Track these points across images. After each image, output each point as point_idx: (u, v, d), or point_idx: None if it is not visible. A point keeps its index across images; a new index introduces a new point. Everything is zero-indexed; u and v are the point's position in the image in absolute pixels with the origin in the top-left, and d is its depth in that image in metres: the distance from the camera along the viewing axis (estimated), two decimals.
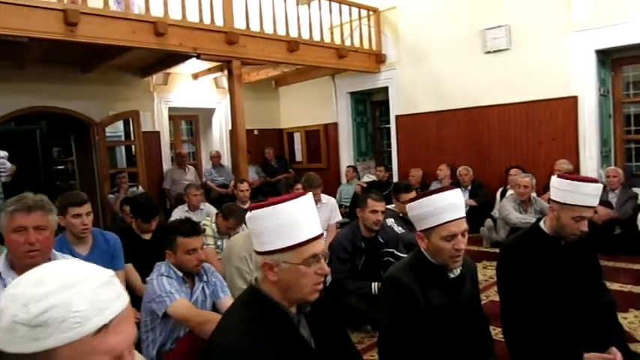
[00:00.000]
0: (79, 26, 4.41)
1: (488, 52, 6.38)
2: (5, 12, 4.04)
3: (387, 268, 3.46)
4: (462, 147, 6.84)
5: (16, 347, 0.70)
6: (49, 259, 1.96)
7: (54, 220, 1.97)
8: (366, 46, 7.42)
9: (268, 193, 7.45)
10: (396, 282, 1.83)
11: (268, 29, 6.02)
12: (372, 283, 3.32)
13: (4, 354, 0.71)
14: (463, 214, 1.83)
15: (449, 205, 1.78)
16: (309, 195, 1.47)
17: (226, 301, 2.53)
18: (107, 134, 7.30)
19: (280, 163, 8.68)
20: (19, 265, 1.88)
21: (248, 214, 1.45)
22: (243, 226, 4.21)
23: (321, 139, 8.68)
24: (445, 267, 1.82)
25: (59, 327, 0.70)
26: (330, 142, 8.60)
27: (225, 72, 6.95)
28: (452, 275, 1.84)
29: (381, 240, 3.53)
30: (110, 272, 0.79)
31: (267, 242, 1.37)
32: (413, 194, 4.16)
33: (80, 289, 0.72)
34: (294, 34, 6.29)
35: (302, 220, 1.38)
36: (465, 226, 1.80)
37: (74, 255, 2.71)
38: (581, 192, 2.03)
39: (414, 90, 7.26)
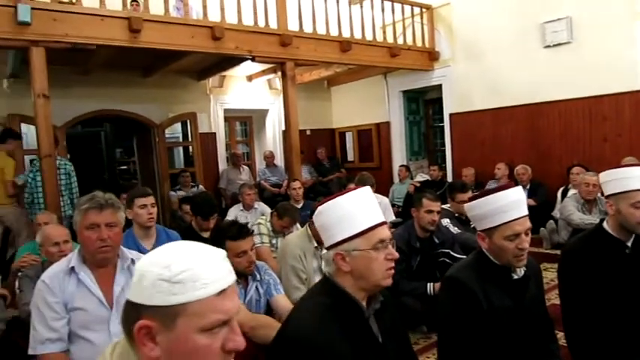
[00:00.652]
0: (142, 33, 4.62)
1: (548, 47, 6.13)
2: (78, 22, 4.31)
3: (443, 268, 3.45)
4: (520, 145, 6.61)
5: (157, 300, 0.86)
6: (118, 256, 2.08)
7: (122, 217, 2.08)
8: (418, 43, 7.31)
9: (320, 192, 7.51)
10: (456, 283, 1.80)
11: (321, 30, 6.07)
12: (428, 284, 3.29)
13: (143, 306, 0.87)
14: (526, 211, 1.77)
15: (512, 203, 1.74)
16: (368, 188, 1.56)
17: (280, 299, 2.58)
18: (166, 135, 7.60)
19: (332, 163, 8.72)
20: (92, 260, 2.00)
21: (316, 212, 1.54)
22: (297, 225, 4.28)
23: (373, 138, 8.64)
24: (508, 268, 1.77)
25: (192, 285, 0.85)
26: (382, 141, 8.54)
27: (279, 73, 7.06)
28: (515, 276, 1.79)
29: (437, 240, 3.48)
30: (223, 252, 0.95)
31: (336, 233, 1.46)
32: (469, 194, 4.07)
33: (207, 258, 0.89)
34: (346, 34, 6.30)
35: (365, 208, 1.47)
36: (528, 224, 1.75)
37: (140, 249, 2.87)
38: (633, 176, 1.97)
39: (469, 87, 7.09)
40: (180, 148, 9.42)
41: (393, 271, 1.47)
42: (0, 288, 3.03)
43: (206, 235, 3.56)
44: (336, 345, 1.35)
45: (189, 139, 7.77)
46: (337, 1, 6.14)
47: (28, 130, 6.29)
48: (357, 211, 1.46)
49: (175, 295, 0.85)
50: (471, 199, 1.87)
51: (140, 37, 4.65)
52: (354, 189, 1.52)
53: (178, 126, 8.42)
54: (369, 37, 6.62)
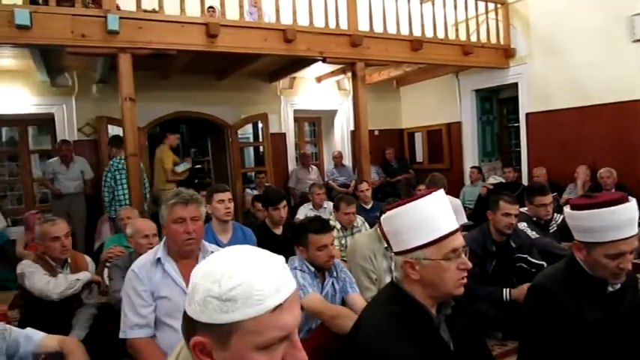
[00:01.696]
0: (218, 37, 4.82)
1: (637, 41, 5.71)
2: (160, 29, 4.57)
3: (520, 274, 3.32)
4: (603, 146, 6.18)
5: (208, 318, 0.80)
6: (199, 249, 2.18)
7: (204, 212, 2.20)
8: (493, 40, 7.06)
9: (388, 193, 7.45)
10: (545, 291, 1.70)
11: (391, 29, 6.02)
12: (504, 290, 3.17)
13: (198, 322, 0.82)
14: (636, 230, 1.58)
15: (625, 221, 1.56)
16: (442, 191, 1.47)
17: (355, 297, 2.59)
18: (239, 136, 7.86)
19: (400, 164, 8.63)
20: (177, 252, 2.12)
21: (383, 216, 1.49)
22: (365, 225, 4.28)
23: (443, 138, 8.44)
24: (604, 280, 1.65)
25: (245, 302, 0.79)
26: (453, 141, 8.33)
27: (348, 74, 7.11)
28: (610, 289, 1.66)
29: (514, 245, 3.35)
30: (282, 259, 0.87)
31: (406, 240, 1.39)
32: (549, 197, 3.89)
33: (262, 270, 0.82)
34: (417, 32, 6.21)
35: (438, 215, 1.39)
36: (636, 243, 1.59)
37: (218, 242, 3.00)
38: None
39: (548, 85, 6.75)
40: (251, 148, 9.70)
41: (465, 280, 1.40)
42: (95, 275, 3.26)
43: (278, 231, 3.66)
44: (402, 350, 1.30)
45: (260, 140, 7.99)
46: (408, 0, 6.07)
47: (112, 131, 6.74)
48: (430, 217, 1.38)
49: (227, 314, 0.79)
50: (577, 207, 1.66)
51: (217, 42, 4.85)
52: (425, 190, 1.47)
53: (250, 127, 8.68)
54: (440, 35, 6.49)
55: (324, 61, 5.69)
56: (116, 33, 4.38)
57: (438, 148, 8.59)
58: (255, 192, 6.90)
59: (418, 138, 9.02)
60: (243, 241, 3.21)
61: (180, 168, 6.37)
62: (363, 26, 5.82)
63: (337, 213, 4.12)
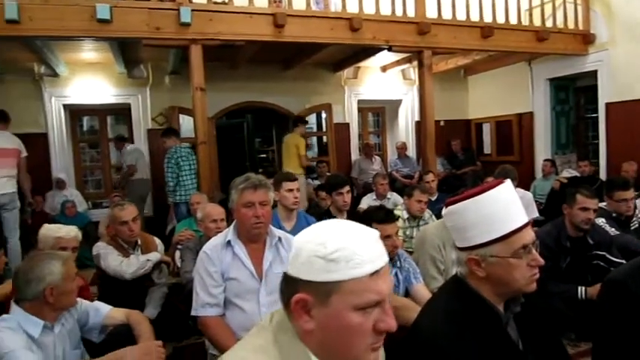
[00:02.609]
0: (285, 27, 4.87)
1: None
2: (230, 20, 4.69)
3: (596, 272, 3.13)
4: None
5: (313, 276, 0.89)
6: (267, 233, 2.23)
7: (272, 197, 2.24)
8: (570, 26, 6.63)
9: (454, 185, 7.26)
10: (619, 286, 1.57)
11: (461, 16, 5.82)
12: (579, 288, 3.00)
13: (300, 280, 0.91)
14: None
15: None
16: (509, 182, 1.36)
17: (420, 288, 2.56)
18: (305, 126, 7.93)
19: (467, 155, 8.37)
20: (246, 235, 2.18)
21: (445, 210, 1.40)
22: (433, 217, 4.20)
23: (513, 129, 8.08)
24: None
25: (347, 264, 0.87)
26: (524, 133, 7.95)
27: (414, 63, 6.97)
28: None
29: (591, 241, 3.16)
30: (377, 233, 0.95)
31: (471, 237, 1.31)
32: (631, 192, 3.63)
33: (362, 238, 0.91)
34: (488, 18, 5.96)
35: (506, 209, 1.29)
36: None
37: (281, 229, 3.05)
38: None
39: (633, 73, 6.26)
40: (315, 138, 9.76)
41: (537, 276, 1.30)
42: (164, 256, 3.43)
43: (342, 218, 3.66)
44: (466, 348, 1.24)
45: (324, 129, 8.02)
46: None
47: (183, 121, 7.03)
48: (496, 212, 1.28)
49: (330, 273, 0.87)
50: None
51: (284, 32, 4.91)
52: (498, 183, 1.34)
53: (314, 116, 8.74)
54: (513, 20, 6.18)
55: (390, 49, 5.61)
56: (188, 25, 4.54)
57: (507, 139, 8.24)
58: (317, 182, 6.97)
59: (486, 129, 8.69)
60: None
61: (309, 156, 6.85)
62: (430, 13, 5.66)
63: (409, 201, 4.07)
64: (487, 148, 8.70)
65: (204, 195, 4.44)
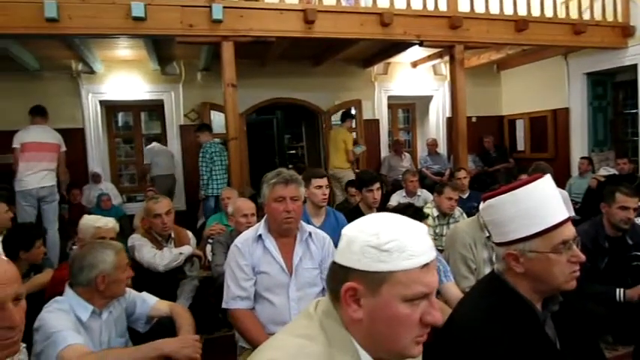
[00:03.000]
0: (315, 23, 4.87)
1: None
2: (260, 16, 4.72)
3: (636, 273, 3.02)
4: None
5: (365, 265, 0.91)
6: (298, 228, 2.24)
7: (303, 193, 2.24)
8: (609, 18, 6.40)
9: (485, 183, 7.13)
10: None
11: (494, 9, 5.70)
12: (617, 289, 2.90)
13: (351, 269, 0.93)
14: None
15: None
16: (548, 177, 1.34)
17: (450, 286, 2.53)
18: (332, 122, 7.92)
19: (499, 152, 8.20)
20: (276, 230, 2.19)
21: (483, 204, 1.39)
22: (464, 216, 4.14)
23: (548, 126, 7.87)
24: None
25: (399, 255, 0.89)
26: (559, 129, 7.73)
27: (445, 58, 6.87)
28: None
29: (630, 241, 3.06)
30: (425, 227, 0.97)
31: (510, 231, 1.29)
32: None
33: (414, 230, 0.93)
34: (522, 11, 5.82)
35: (546, 203, 1.27)
36: None
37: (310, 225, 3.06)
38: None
39: None
40: None
41: (577, 273, 1.28)
42: (196, 250, 3.50)
43: None
44: (503, 346, 1.22)
45: (353, 126, 7.98)
46: None
47: (214, 117, 7.13)
48: (536, 206, 1.26)
49: (382, 263, 0.89)
50: None
51: (314, 28, 4.90)
52: (537, 178, 1.32)
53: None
54: (548, 13, 6.02)
55: (421, 44, 5.54)
56: (220, 22, 4.58)
57: (541, 136, 8.03)
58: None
59: (519, 125, 8.49)
60: (335, 226, 3.24)
61: (358, 150, 6.90)
62: (463, 7, 5.57)
63: (439, 198, 4.02)
64: (520, 145, 8.50)
65: (234, 190, 4.49)
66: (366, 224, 0.95)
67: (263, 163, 8.77)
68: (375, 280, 0.90)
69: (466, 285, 2.71)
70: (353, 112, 7.69)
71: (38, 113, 5.04)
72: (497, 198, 1.31)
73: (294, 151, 11.28)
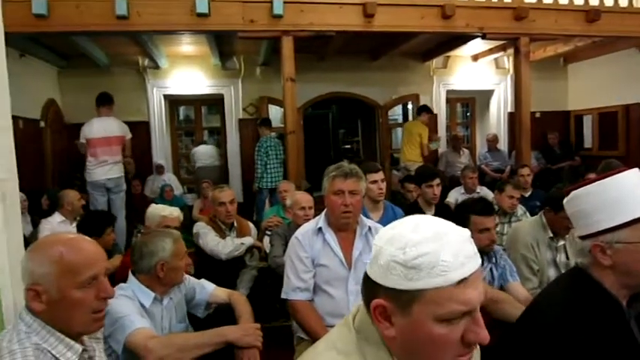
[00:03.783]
0: (375, 17, 4.83)
1: None
2: (320, 11, 4.74)
3: None
4: None
5: (391, 282, 0.82)
6: (357, 222, 2.24)
7: (363, 187, 2.24)
8: None
9: (549, 181, 6.83)
10: None
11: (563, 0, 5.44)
12: None
13: (380, 285, 0.84)
14: None
15: None
16: (636, 170, 1.31)
17: (516, 286, 2.46)
18: (389, 116, 7.86)
19: (564, 149, 7.81)
20: (335, 223, 2.21)
21: (567, 197, 1.37)
22: (527, 215, 4.00)
23: (619, 122, 7.42)
24: None
25: (429, 272, 0.79)
26: (632, 125, 7.27)
27: (508, 51, 6.63)
28: None
29: None
30: (468, 232, 0.85)
31: (596, 222, 1.27)
32: None
33: (448, 242, 0.80)
34: (594, 1, 5.51)
35: (635, 193, 1.24)
36: None
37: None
38: None
39: None
40: (399, 129, 9.61)
41: None
42: (256, 241, 3.59)
43: (430, 212, 3.59)
44: (588, 341, 1.18)
45: (410, 120, 7.88)
46: None
47: (272, 111, 7.25)
48: (625, 196, 1.23)
49: (410, 281, 0.79)
50: None
51: (373, 22, 4.86)
52: (595, 179, 1.31)
53: (399, 107, 8.60)
54: (623, 3, 5.66)
55: (483, 37, 5.37)
56: (280, 17, 4.64)
57: (611, 132, 7.58)
58: (399, 173, 6.88)
59: (587, 121, 8.06)
60: (393, 220, 3.22)
61: (434, 146, 6.95)
62: None
63: (500, 196, 3.91)
64: (588, 142, 8.08)
65: (291, 183, 4.55)
66: (393, 234, 0.84)
67: (318, 157, 8.83)
68: (405, 298, 0.81)
69: (528, 287, 2.61)
70: (410, 106, 7.59)
71: (104, 102, 5.18)
72: (583, 188, 1.31)
73: (348, 146, 11.27)
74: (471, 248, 0.83)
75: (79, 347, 1.25)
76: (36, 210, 4.87)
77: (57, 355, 1.20)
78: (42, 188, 5.57)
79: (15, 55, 5.38)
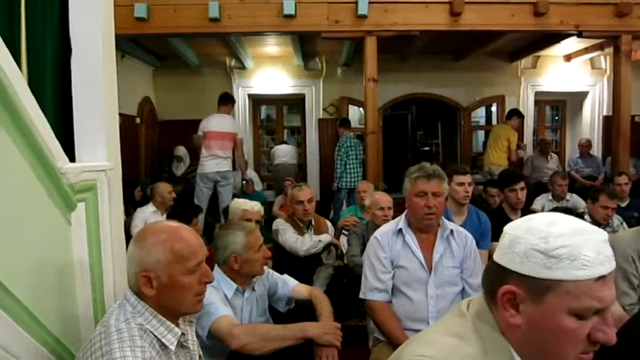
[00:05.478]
0: (462, 16, 4.71)
1: None
2: (405, 10, 4.72)
3: None
4: None
5: (529, 270, 0.84)
6: (439, 224, 2.20)
7: (446, 189, 2.19)
8: None
9: None
10: None
11: None
12: None
13: (513, 272, 0.87)
14: None
15: None
16: None
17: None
18: (472, 118, 7.61)
19: None
20: (417, 225, 2.18)
21: None
22: (624, 225, 3.72)
23: None
24: None
25: (570, 264, 0.81)
26: None
27: (607, 50, 6.17)
28: None
29: None
30: (605, 234, 0.86)
31: None
32: None
33: (589, 239, 0.83)
34: None
35: None
36: None
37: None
38: None
39: None
40: (482, 132, 9.28)
41: None
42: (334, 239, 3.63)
43: (515, 217, 3.43)
44: None
45: (495, 123, 7.57)
46: None
47: (352, 111, 7.29)
48: None
49: (549, 270, 0.82)
50: None
51: (460, 20, 4.75)
52: None
53: (482, 109, 8.29)
54: None
55: (579, 35, 5.04)
56: (364, 17, 4.66)
57: None
58: (478, 176, 6.64)
59: None
60: (477, 225, 3.10)
61: (521, 153, 6.81)
62: None
63: (593, 205, 3.65)
64: None
65: (370, 184, 4.55)
66: (533, 224, 0.87)
67: (396, 158, 8.74)
68: (540, 287, 0.83)
69: (626, 302, 2.42)
70: (494, 108, 7.29)
71: (223, 101, 5.55)
72: None
73: (427, 148, 11.03)
74: (608, 249, 0.84)
75: (178, 331, 1.34)
76: (129, 200, 5.25)
77: (159, 336, 1.29)
78: (135, 180, 5.99)
79: (117, 56, 5.82)
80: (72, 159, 1.65)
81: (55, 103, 1.75)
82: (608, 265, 0.83)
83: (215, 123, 5.34)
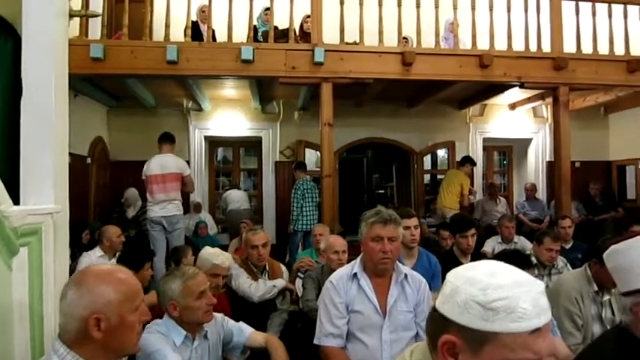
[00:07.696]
0: (413, 66, 4.94)
1: None
2: (360, 59, 4.91)
3: None
4: None
5: (466, 320, 0.84)
6: (394, 269, 2.22)
7: (401, 233, 2.23)
8: None
9: (590, 233, 6.60)
10: None
11: (603, 49, 5.41)
12: None
13: (452, 322, 0.86)
14: None
15: None
16: None
17: (557, 340, 2.35)
18: (424, 162, 7.84)
19: (607, 200, 7.56)
20: (372, 269, 2.19)
21: (608, 251, 1.33)
22: (568, 267, 3.87)
23: None
24: None
25: (506, 316, 0.81)
26: None
27: (547, 100, 6.59)
28: None
29: None
30: (542, 284, 0.87)
31: (636, 279, 1.23)
32: None
33: (527, 290, 0.84)
34: (636, 51, 5.47)
35: None
36: None
37: None
38: None
39: None
40: (428, 175, 9.53)
41: None
42: (289, 283, 3.58)
43: (465, 261, 3.52)
44: None
45: (445, 168, 7.84)
46: (625, 17, 5.41)
47: (309, 155, 7.37)
48: None
49: (487, 322, 0.82)
50: None
51: (412, 70, 4.97)
52: (636, 233, 1.27)
53: (434, 154, 8.57)
54: None
55: (521, 86, 5.38)
56: (321, 64, 4.81)
57: None
58: (430, 220, 6.82)
59: (630, 171, 7.83)
60: (428, 268, 3.16)
61: (471, 198, 7.00)
62: (568, 47, 5.35)
63: (538, 248, 3.79)
64: (631, 193, 7.82)
65: (326, 227, 4.56)
66: (474, 275, 0.87)
67: (352, 201, 8.83)
68: (478, 338, 0.83)
69: (571, 342, 2.50)
70: (443, 153, 7.56)
71: (164, 140, 5.24)
72: (624, 243, 1.28)
73: (382, 191, 11.24)
74: (544, 300, 0.85)
75: None
76: (76, 243, 5.01)
77: None
78: (84, 222, 5.76)
79: (70, 95, 5.69)
80: (16, 201, 1.59)
81: (0, 143, 1.70)
82: (543, 317, 0.83)
83: (154, 166, 5.01)
